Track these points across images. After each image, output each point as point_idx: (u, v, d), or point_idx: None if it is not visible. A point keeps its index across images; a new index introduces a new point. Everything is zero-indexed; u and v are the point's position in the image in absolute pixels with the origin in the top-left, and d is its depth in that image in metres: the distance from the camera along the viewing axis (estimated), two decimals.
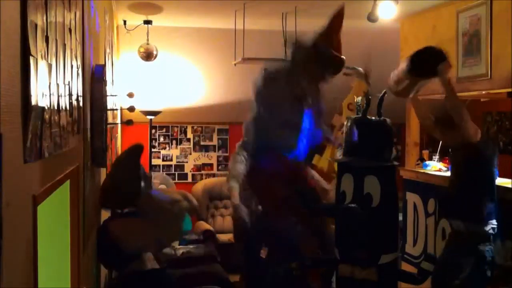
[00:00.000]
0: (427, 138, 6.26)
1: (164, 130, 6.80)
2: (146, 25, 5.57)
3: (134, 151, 2.61)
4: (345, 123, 3.81)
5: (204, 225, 6.05)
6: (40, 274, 1.26)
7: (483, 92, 4.34)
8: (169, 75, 6.34)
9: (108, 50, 3.69)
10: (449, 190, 3.70)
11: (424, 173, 4.75)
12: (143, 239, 2.38)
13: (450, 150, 3.86)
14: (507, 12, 3.96)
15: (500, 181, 3.99)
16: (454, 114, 3.36)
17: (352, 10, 5.05)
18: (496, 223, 3.41)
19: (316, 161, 5.37)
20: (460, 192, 3.47)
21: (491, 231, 3.37)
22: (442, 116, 3.51)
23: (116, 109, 4.09)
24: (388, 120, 3.64)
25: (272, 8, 4.99)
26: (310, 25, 5.63)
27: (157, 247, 2.80)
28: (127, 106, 2.99)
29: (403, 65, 3.62)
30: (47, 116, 1.27)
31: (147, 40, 5.66)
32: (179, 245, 5.15)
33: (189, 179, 6.80)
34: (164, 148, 6.78)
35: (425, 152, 5.22)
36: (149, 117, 6.01)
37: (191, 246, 5.09)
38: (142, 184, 2.47)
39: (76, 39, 1.84)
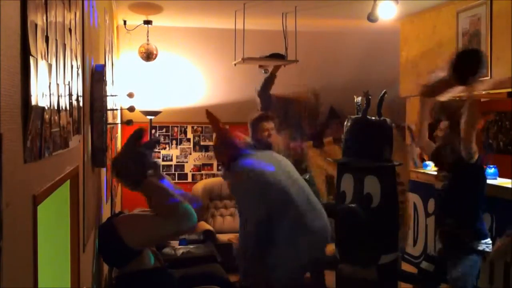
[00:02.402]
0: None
1: (164, 130, 6.80)
2: (146, 25, 5.58)
3: (134, 136, 2.57)
4: (345, 123, 3.81)
5: (204, 225, 6.05)
6: (40, 274, 1.26)
7: (483, 92, 4.33)
8: (169, 75, 6.34)
9: (108, 50, 3.69)
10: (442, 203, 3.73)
11: (424, 173, 4.75)
12: (148, 232, 2.37)
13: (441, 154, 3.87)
14: (507, 12, 3.96)
15: (500, 181, 4.00)
16: (466, 129, 3.35)
17: (352, 10, 5.06)
18: (490, 242, 3.44)
19: None
20: (452, 207, 3.52)
21: (485, 249, 3.40)
22: (453, 113, 3.53)
23: (116, 109, 4.09)
24: (388, 120, 3.64)
25: (272, 8, 4.99)
26: (310, 25, 5.65)
27: (164, 239, 2.78)
28: (127, 106, 2.98)
29: (451, 59, 3.54)
30: (47, 116, 1.27)
31: (147, 40, 5.66)
32: (179, 245, 5.15)
33: (189, 179, 6.80)
34: (164, 148, 6.78)
35: None
36: (149, 117, 6.01)
37: (191, 246, 5.09)
38: (149, 171, 2.45)
39: (76, 39, 1.84)
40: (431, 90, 3.66)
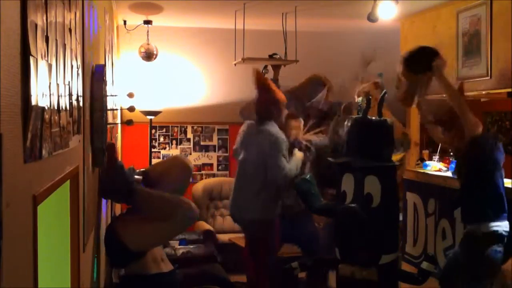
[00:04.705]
0: (427, 138, 6.26)
1: (164, 130, 6.80)
2: (146, 25, 5.57)
3: (109, 154, 2.60)
4: (345, 123, 3.81)
5: (204, 225, 6.05)
6: (40, 274, 1.26)
7: (483, 92, 4.34)
8: (169, 75, 6.34)
9: (108, 50, 3.69)
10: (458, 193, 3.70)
11: (424, 173, 4.75)
12: (148, 235, 2.38)
13: (451, 151, 3.88)
14: (507, 12, 3.96)
15: None
16: (454, 106, 3.37)
17: (352, 10, 5.06)
18: (507, 224, 3.34)
19: None
20: (465, 192, 3.47)
21: (502, 232, 3.30)
22: (443, 115, 3.53)
23: (116, 109, 4.08)
24: (388, 120, 3.64)
25: (272, 8, 4.99)
26: (310, 25, 5.64)
27: (163, 239, 2.81)
28: (127, 106, 2.98)
29: (398, 67, 3.67)
30: (47, 116, 1.27)
31: (147, 40, 5.66)
32: (179, 245, 5.15)
33: None
34: (164, 148, 6.78)
35: (425, 152, 5.22)
36: (149, 117, 6.01)
37: (191, 246, 5.09)
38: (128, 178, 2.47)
39: (76, 39, 1.84)
40: (404, 97, 3.80)
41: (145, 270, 2.41)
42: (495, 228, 3.28)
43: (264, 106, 4.24)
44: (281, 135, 4.17)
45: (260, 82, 4.29)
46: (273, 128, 4.18)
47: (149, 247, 2.42)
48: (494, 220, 3.29)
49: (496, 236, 3.27)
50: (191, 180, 2.65)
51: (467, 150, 3.40)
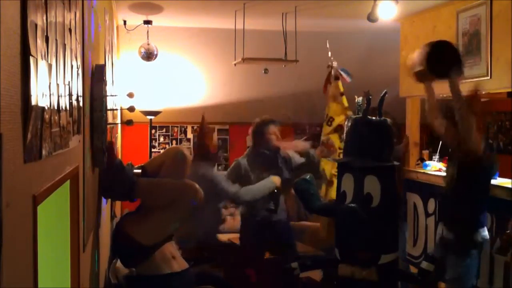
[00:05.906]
0: (427, 138, 6.27)
1: (164, 130, 6.80)
2: (146, 25, 5.57)
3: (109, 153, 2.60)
4: (345, 123, 3.81)
5: None
6: (40, 274, 1.26)
7: (483, 92, 4.34)
8: (169, 75, 6.34)
9: (108, 50, 3.69)
10: (445, 193, 3.72)
11: (424, 173, 4.75)
12: (157, 225, 2.38)
13: (450, 150, 3.87)
14: (507, 12, 3.96)
15: (500, 181, 3.99)
16: (460, 122, 3.35)
17: (352, 10, 5.06)
18: (486, 232, 3.47)
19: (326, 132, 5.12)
20: (455, 200, 3.52)
21: (480, 240, 3.45)
22: (448, 116, 3.54)
23: (116, 109, 4.08)
24: (388, 120, 3.64)
25: (272, 8, 4.99)
26: (310, 25, 5.64)
27: (173, 226, 2.82)
28: (127, 106, 2.98)
29: (422, 54, 3.56)
30: (47, 116, 1.27)
31: (147, 40, 5.66)
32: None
33: None
34: (164, 148, 6.78)
35: (425, 152, 5.22)
36: (149, 117, 6.01)
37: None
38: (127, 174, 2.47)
39: (76, 39, 1.84)
40: (421, 74, 3.73)
41: (156, 270, 2.40)
42: (477, 237, 3.44)
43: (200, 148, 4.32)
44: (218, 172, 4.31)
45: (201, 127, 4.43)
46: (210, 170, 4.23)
47: (161, 237, 2.42)
48: (477, 229, 3.45)
49: (474, 243, 3.44)
50: (188, 168, 2.65)
51: (469, 166, 3.44)
